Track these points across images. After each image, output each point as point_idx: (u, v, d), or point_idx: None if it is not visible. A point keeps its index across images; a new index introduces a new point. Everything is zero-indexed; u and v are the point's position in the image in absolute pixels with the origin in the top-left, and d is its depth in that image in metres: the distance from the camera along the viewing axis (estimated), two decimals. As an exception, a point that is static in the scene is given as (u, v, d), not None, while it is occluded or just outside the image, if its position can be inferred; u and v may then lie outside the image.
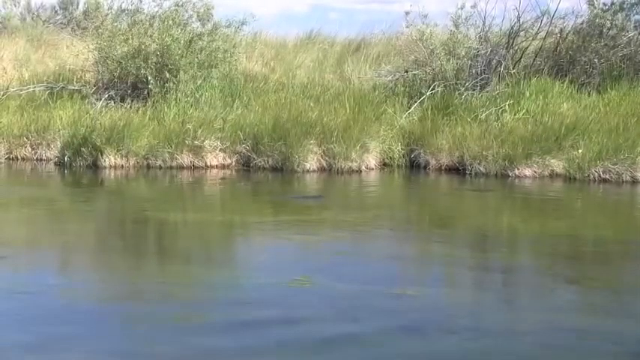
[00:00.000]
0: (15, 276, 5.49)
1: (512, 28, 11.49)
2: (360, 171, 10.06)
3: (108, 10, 12.22)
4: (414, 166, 10.25)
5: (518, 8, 11.35)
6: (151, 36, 11.14)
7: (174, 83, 10.89)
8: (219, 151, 10.25)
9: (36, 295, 5.00)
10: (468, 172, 9.77)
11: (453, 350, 4.20)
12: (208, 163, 10.19)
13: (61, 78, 11.81)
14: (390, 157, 10.32)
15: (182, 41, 11.06)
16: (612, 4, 11.77)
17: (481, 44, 11.41)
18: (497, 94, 10.83)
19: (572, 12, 11.96)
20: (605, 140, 9.55)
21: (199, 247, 6.68)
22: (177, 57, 10.94)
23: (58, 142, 10.46)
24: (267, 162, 10.05)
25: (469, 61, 11.30)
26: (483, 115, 10.39)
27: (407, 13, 11.69)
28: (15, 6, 16.86)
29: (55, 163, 10.41)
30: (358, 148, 10.03)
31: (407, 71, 11.65)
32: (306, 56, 13.42)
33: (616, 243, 6.85)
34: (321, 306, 4.82)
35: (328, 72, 12.84)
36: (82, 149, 10.10)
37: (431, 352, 4.19)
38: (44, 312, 4.73)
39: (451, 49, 11.37)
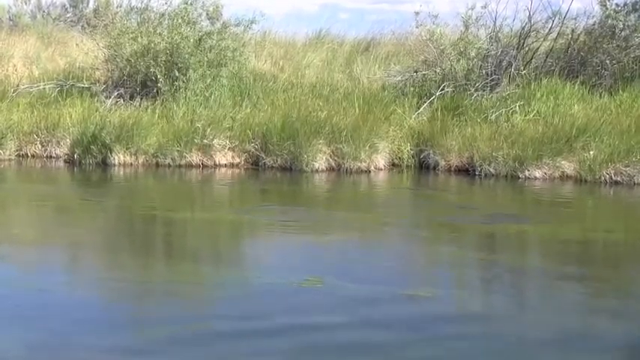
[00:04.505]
0: (23, 273, 5.48)
1: (523, 28, 11.42)
2: (369, 171, 10.02)
3: (117, 8, 12.22)
4: (423, 166, 10.21)
5: (529, 8, 11.29)
6: (160, 34, 11.13)
7: (183, 82, 10.88)
8: (228, 150, 10.23)
9: (43, 292, 4.98)
10: (477, 173, 9.72)
11: (465, 351, 4.17)
12: (217, 162, 10.18)
13: (70, 76, 11.83)
14: (399, 158, 10.28)
15: (191, 40, 11.05)
16: (625, 4, 11.67)
17: (491, 45, 11.36)
18: (508, 94, 10.78)
19: (584, 12, 11.88)
20: (617, 142, 9.48)
21: (208, 246, 6.66)
22: (186, 55, 10.93)
23: (68, 140, 10.47)
24: (276, 161, 10.03)
25: (479, 62, 11.26)
26: (493, 116, 10.35)
27: (417, 13, 11.60)
28: (25, 4, 16.91)
29: (65, 161, 10.42)
30: (367, 148, 10.00)
31: (416, 71, 11.61)
32: (315, 56, 13.38)
33: (627, 245, 6.81)
34: (333, 306, 4.79)
35: (337, 72, 12.80)
36: (92, 147, 10.11)
37: (442, 352, 4.16)
38: (51, 309, 4.72)
39: (461, 50, 11.32)
